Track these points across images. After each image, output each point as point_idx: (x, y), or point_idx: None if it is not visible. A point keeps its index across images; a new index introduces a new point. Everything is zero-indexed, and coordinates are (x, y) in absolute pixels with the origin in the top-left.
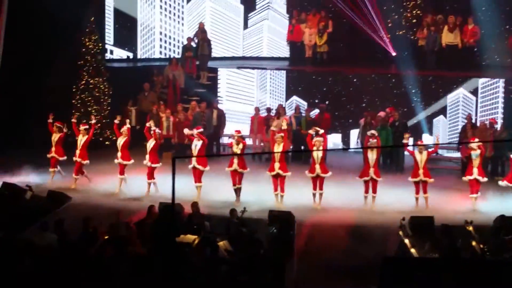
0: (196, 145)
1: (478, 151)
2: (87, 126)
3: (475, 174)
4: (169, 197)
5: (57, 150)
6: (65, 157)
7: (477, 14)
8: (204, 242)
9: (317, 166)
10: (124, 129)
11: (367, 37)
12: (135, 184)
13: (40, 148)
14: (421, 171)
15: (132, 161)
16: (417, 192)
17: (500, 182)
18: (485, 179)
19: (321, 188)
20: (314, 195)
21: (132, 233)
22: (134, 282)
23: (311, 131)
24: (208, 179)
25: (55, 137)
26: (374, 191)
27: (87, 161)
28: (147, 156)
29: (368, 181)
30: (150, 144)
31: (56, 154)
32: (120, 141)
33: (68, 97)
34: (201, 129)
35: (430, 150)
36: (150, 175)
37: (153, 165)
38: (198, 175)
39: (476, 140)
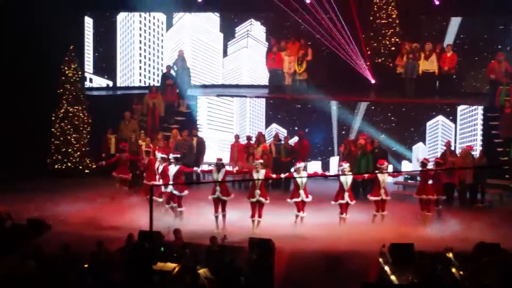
0: (170, 170)
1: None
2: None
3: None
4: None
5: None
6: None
7: (455, 41)
8: (185, 270)
9: (301, 192)
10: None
11: (346, 64)
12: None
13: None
14: (382, 191)
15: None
16: (378, 210)
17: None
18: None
19: (303, 211)
20: (296, 216)
21: (113, 261)
22: None
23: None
24: (188, 207)
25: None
26: (347, 213)
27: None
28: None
29: (343, 204)
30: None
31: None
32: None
33: (47, 126)
34: (178, 155)
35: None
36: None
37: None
38: (177, 200)
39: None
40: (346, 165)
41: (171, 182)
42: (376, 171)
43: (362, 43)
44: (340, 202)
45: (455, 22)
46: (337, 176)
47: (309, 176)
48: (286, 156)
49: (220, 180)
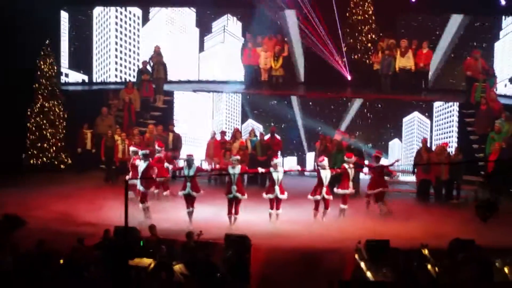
0: (139, 165)
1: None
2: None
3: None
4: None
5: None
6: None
7: (431, 38)
8: (160, 266)
9: (277, 188)
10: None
11: (322, 61)
12: None
13: None
14: (350, 183)
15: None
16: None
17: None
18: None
19: (278, 208)
20: (270, 214)
21: (88, 257)
22: None
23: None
24: (163, 203)
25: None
26: (327, 207)
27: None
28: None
29: (320, 200)
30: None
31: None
32: None
33: (23, 121)
34: (147, 151)
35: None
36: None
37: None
38: (142, 196)
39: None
40: (325, 161)
41: (139, 178)
42: (345, 164)
43: (338, 40)
44: (317, 197)
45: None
46: (317, 171)
47: (286, 172)
48: (262, 153)
49: (191, 176)
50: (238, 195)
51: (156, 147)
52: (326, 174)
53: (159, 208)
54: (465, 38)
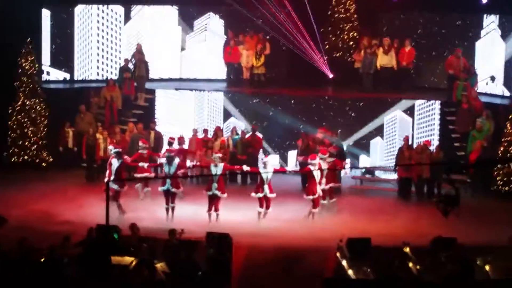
0: (112, 163)
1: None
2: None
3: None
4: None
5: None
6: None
7: (413, 36)
8: (142, 264)
9: (265, 187)
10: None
11: (304, 59)
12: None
13: None
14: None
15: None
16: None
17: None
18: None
19: (268, 207)
20: (259, 213)
21: (69, 255)
22: None
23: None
24: (144, 202)
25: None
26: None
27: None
28: None
29: (317, 198)
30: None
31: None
32: None
33: (4, 119)
34: (119, 149)
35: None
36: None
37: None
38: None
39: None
40: (317, 159)
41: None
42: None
43: (320, 38)
44: (315, 196)
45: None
46: (308, 170)
47: (275, 172)
48: (243, 151)
49: (172, 172)
50: (218, 193)
51: (140, 143)
52: (318, 173)
53: (138, 206)
54: (446, 36)
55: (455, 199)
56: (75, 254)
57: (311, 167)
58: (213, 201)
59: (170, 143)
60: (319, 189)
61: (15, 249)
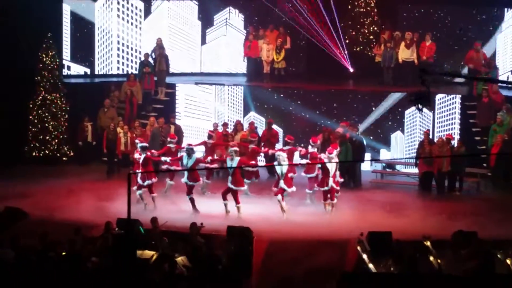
0: (139, 157)
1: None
2: None
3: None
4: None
5: None
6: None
7: (434, 30)
8: (162, 258)
9: (281, 182)
10: None
11: (324, 53)
12: None
13: None
14: (330, 180)
15: None
16: (325, 199)
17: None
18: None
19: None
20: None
21: (90, 249)
22: None
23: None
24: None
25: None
26: (333, 198)
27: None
28: None
29: (327, 190)
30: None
31: None
32: None
33: (25, 113)
34: (146, 144)
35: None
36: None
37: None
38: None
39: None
40: (334, 152)
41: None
42: (325, 159)
43: (340, 32)
44: (325, 188)
45: None
46: (322, 162)
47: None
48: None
49: (190, 165)
50: (233, 186)
51: (169, 139)
52: (332, 165)
53: (161, 200)
54: (467, 29)
55: (426, 96)
56: (96, 247)
57: (326, 160)
58: (229, 193)
59: (209, 136)
60: (331, 181)
61: (37, 243)
